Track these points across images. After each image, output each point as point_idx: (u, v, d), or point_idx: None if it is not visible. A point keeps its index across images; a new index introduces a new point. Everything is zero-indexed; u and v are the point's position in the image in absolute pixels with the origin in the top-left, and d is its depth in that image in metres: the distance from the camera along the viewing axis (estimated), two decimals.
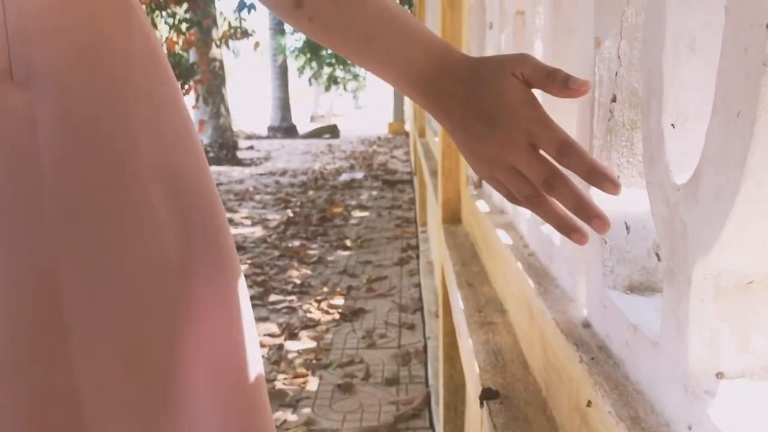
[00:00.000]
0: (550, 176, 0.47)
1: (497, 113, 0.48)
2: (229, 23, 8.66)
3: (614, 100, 0.59)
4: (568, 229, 0.48)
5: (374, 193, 6.25)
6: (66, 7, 0.42)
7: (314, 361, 2.48)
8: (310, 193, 6.26)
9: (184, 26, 7.94)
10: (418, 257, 3.75)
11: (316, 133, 13.59)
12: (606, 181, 0.45)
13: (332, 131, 13.67)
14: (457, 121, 0.50)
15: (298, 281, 3.46)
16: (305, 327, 2.82)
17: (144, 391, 0.43)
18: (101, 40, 0.43)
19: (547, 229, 0.78)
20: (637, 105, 0.58)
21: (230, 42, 8.64)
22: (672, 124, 0.43)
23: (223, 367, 0.50)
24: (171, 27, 7.84)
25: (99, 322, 0.41)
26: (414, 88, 0.53)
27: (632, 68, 0.58)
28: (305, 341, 2.68)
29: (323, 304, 3.08)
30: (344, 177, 7.21)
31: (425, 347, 2.53)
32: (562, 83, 0.46)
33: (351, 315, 2.95)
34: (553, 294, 0.70)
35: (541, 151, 0.48)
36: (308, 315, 2.96)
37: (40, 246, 0.39)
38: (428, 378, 2.28)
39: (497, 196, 1.16)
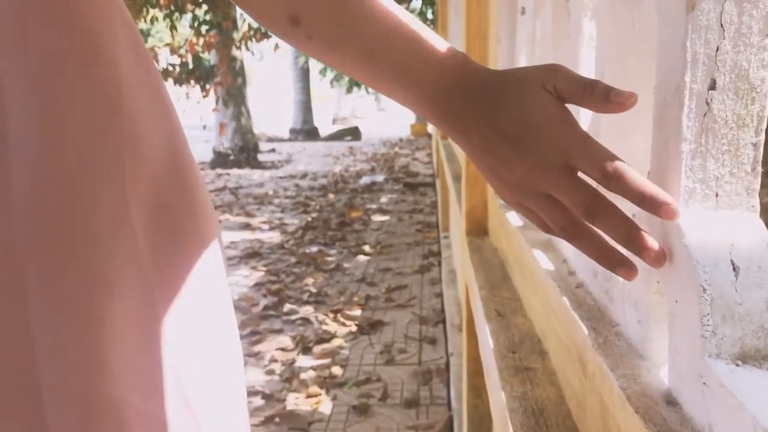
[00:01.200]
0: (592, 203, 0.41)
1: (525, 133, 0.43)
2: (249, 25, 8.58)
3: (713, 86, 0.42)
4: (613, 263, 0.42)
5: (395, 196, 6.08)
6: (41, 8, 0.38)
7: (328, 379, 2.32)
8: (330, 196, 6.12)
9: (204, 28, 7.88)
10: (440, 264, 3.57)
11: (337, 136, 13.49)
12: (663, 205, 0.38)
13: (354, 133, 13.56)
14: (476, 143, 0.45)
15: (314, 290, 3.30)
16: (320, 341, 2.66)
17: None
18: (82, 41, 0.40)
19: None
20: (746, 93, 0.41)
21: (251, 44, 8.57)
22: None
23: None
24: (192, 29, 7.80)
25: (66, 339, 0.38)
26: (426, 108, 0.48)
27: (741, 40, 0.41)
28: (319, 357, 2.52)
29: (339, 316, 2.93)
30: (365, 180, 7.06)
31: (447, 364, 2.36)
32: (602, 96, 0.41)
33: (368, 327, 2.78)
34: (615, 347, 0.53)
35: (580, 174, 0.42)
36: (324, 327, 2.81)
37: (9, 266, 0.36)
38: (451, 400, 2.10)
39: None
